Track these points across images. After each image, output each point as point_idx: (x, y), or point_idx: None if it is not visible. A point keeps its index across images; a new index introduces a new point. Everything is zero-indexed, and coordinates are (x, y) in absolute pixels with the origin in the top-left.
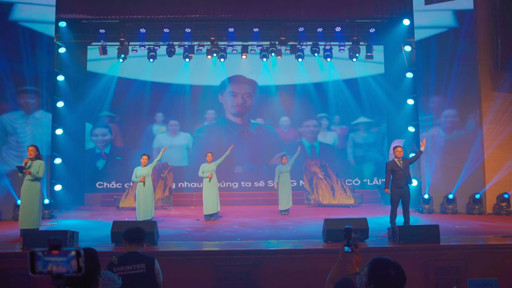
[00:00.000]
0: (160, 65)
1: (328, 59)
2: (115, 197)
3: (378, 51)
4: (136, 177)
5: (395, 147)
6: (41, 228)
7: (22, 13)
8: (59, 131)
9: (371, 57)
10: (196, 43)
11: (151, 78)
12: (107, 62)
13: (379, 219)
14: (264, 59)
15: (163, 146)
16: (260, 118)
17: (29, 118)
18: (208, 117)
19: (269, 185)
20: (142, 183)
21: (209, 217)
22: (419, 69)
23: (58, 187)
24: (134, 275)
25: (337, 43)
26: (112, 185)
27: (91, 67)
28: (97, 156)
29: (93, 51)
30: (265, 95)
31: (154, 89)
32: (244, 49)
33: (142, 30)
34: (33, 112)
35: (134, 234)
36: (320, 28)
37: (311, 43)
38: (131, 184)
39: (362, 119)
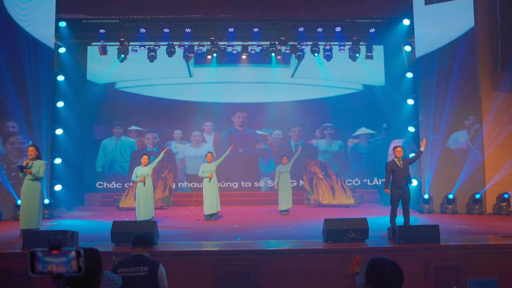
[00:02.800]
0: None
1: (326, 53)
2: (115, 197)
3: (379, 58)
4: (136, 177)
5: (395, 147)
6: (41, 228)
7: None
8: (59, 131)
9: (371, 57)
10: (196, 43)
11: (167, 95)
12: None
13: (379, 219)
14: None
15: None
16: (255, 127)
17: None
18: (206, 128)
19: (269, 185)
20: (142, 183)
21: (209, 217)
22: (419, 69)
23: (58, 187)
24: (136, 277)
25: (337, 43)
26: (112, 185)
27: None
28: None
29: (101, 62)
30: (261, 110)
31: (160, 103)
32: (244, 49)
33: (142, 30)
34: None
35: (139, 239)
36: (320, 28)
37: (311, 43)
38: (131, 184)
39: (363, 130)
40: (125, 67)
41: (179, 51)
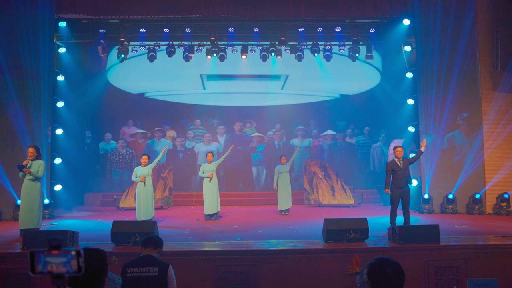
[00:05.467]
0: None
1: (326, 53)
2: (115, 197)
3: (379, 57)
4: (136, 177)
5: (395, 147)
6: (41, 228)
7: None
8: (59, 131)
9: (371, 57)
10: (196, 43)
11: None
12: (132, 79)
13: (379, 219)
14: (265, 58)
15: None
16: (251, 129)
17: None
18: (219, 131)
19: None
20: (143, 183)
21: (209, 217)
22: (419, 69)
23: (58, 187)
24: (146, 277)
25: (337, 43)
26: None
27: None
28: None
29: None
30: (256, 116)
31: (173, 107)
32: (244, 49)
33: (142, 30)
34: None
35: (149, 240)
36: (320, 28)
37: (311, 43)
38: (131, 184)
39: (330, 132)
40: (152, 80)
41: (180, 52)
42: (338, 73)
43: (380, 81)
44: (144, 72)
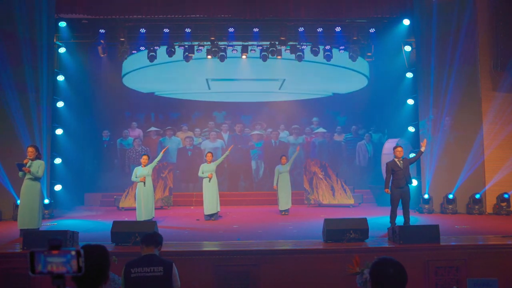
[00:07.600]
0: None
1: (326, 53)
2: (115, 197)
3: (379, 58)
4: (136, 177)
5: (395, 147)
6: (41, 228)
7: None
8: (59, 131)
9: (371, 57)
10: (196, 43)
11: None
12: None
13: (379, 219)
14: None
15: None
16: (248, 129)
17: None
18: (223, 128)
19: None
20: (143, 183)
21: (209, 217)
22: (419, 69)
23: (58, 187)
24: (152, 277)
25: (337, 45)
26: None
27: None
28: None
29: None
30: (256, 115)
31: (182, 105)
32: (244, 49)
33: (142, 30)
34: None
35: (151, 237)
36: (320, 28)
37: (311, 43)
38: (131, 184)
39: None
40: (160, 84)
41: (180, 52)
42: (331, 75)
43: (367, 85)
44: (153, 77)
